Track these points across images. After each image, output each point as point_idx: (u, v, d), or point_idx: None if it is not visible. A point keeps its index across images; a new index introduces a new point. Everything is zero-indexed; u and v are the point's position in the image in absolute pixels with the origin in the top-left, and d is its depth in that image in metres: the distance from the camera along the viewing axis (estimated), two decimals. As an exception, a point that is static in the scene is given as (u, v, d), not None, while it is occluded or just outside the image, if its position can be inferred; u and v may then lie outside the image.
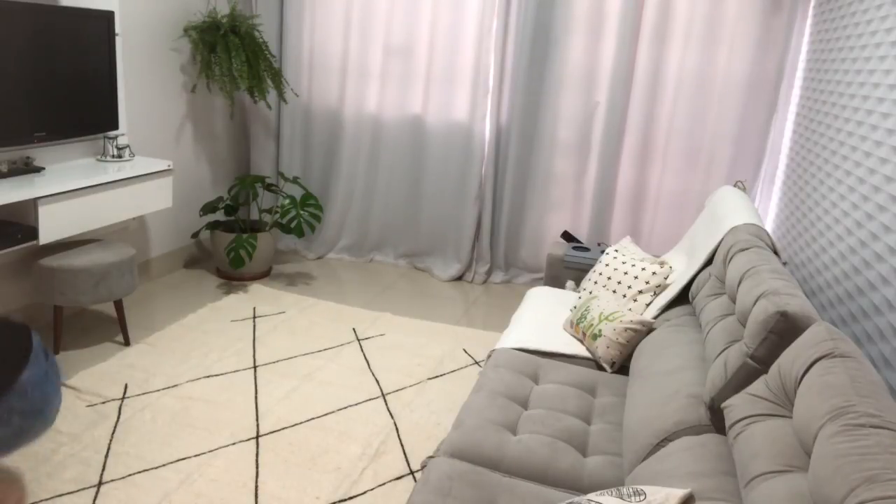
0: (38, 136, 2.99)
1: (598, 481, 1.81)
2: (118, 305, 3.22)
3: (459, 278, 4.57)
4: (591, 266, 3.60)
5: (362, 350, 3.34)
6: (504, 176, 4.43)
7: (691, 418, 1.72)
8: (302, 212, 4.09)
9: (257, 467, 2.37)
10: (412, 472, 2.40)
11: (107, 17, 3.28)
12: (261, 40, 4.16)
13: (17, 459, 2.32)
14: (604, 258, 3.00)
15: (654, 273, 2.76)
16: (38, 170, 3.06)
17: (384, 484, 2.33)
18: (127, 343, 3.24)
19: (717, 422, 1.69)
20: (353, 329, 3.58)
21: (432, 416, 2.78)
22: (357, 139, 4.61)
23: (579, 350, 2.58)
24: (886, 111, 2.34)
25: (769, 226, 3.93)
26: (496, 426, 1.99)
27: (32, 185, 2.79)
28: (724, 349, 1.80)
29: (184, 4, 4.00)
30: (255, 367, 3.09)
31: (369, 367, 3.17)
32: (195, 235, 4.32)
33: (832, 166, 2.84)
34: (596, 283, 2.92)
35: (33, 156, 3.13)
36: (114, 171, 3.19)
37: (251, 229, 4.28)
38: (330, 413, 2.75)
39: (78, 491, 2.19)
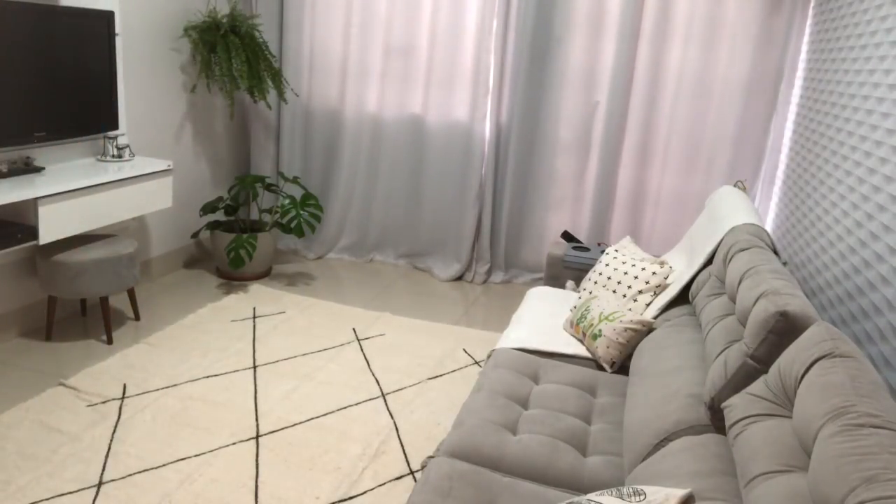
0: (38, 136, 2.99)
1: (599, 481, 1.81)
2: (130, 294, 3.46)
3: (459, 278, 4.57)
4: (591, 266, 3.60)
5: (362, 350, 3.34)
6: (504, 176, 4.43)
7: (691, 418, 1.72)
8: (302, 212, 4.09)
9: (257, 467, 2.37)
10: (412, 472, 2.41)
11: (107, 17, 3.28)
12: (261, 40, 4.16)
13: (17, 459, 2.32)
14: (604, 258, 2.99)
15: (654, 273, 2.76)
16: (38, 170, 3.06)
17: (384, 484, 2.33)
18: (137, 318, 3.51)
19: (717, 422, 1.69)
20: (353, 329, 3.58)
21: (432, 416, 2.78)
22: (357, 139, 4.61)
23: (579, 350, 2.58)
24: (886, 111, 2.33)
25: (769, 226, 3.93)
26: (496, 426, 1.99)
27: (32, 185, 2.79)
28: (724, 349, 1.80)
29: (184, 4, 4.00)
30: (255, 367, 3.09)
31: (369, 367, 3.17)
32: (195, 235, 4.32)
33: (832, 166, 2.84)
34: (596, 283, 2.92)
35: (33, 156, 3.13)
36: (114, 171, 3.19)
37: (251, 229, 4.28)
38: (330, 413, 2.75)
39: (78, 491, 2.19)
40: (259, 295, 3.95)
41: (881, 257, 2.16)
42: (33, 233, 2.79)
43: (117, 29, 3.42)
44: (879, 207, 2.25)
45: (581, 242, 4.04)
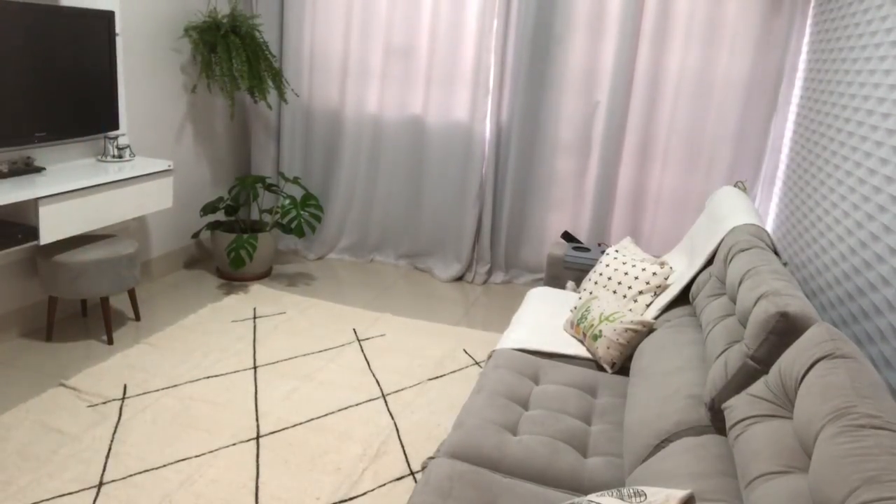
0: (38, 136, 3.00)
1: (599, 482, 1.81)
2: (131, 294, 3.47)
3: (460, 279, 4.57)
4: (592, 266, 3.60)
5: (363, 350, 3.34)
6: (504, 176, 4.43)
7: (692, 419, 1.72)
8: (302, 212, 4.09)
9: (258, 468, 2.37)
10: (412, 473, 2.40)
11: (107, 17, 3.28)
12: (261, 40, 4.16)
13: (17, 459, 2.32)
14: (604, 259, 2.99)
15: (654, 273, 2.76)
16: (39, 170, 3.06)
17: (384, 485, 2.33)
18: (138, 318, 3.53)
19: (717, 422, 1.69)
20: (354, 329, 3.58)
21: (433, 417, 2.78)
22: (357, 139, 4.61)
23: (580, 351, 2.58)
24: (887, 111, 2.33)
25: (769, 226, 3.93)
26: (496, 427, 1.99)
27: (33, 186, 2.79)
28: (725, 350, 1.80)
29: (184, 4, 4.00)
30: (255, 368, 3.09)
31: (370, 368, 3.17)
32: (195, 236, 4.32)
33: (833, 167, 2.84)
34: (596, 283, 2.92)
35: (34, 156, 3.13)
36: (114, 172, 3.19)
37: (251, 229, 4.28)
38: (330, 413, 2.75)
39: (79, 491, 2.19)
40: (259, 295, 3.95)
41: (882, 258, 2.16)
42: (34, 233, 2.79)
43: (118, 29, 3.42)
44: (880, 208, 2.25)
45: (581, 243, 4.04)
